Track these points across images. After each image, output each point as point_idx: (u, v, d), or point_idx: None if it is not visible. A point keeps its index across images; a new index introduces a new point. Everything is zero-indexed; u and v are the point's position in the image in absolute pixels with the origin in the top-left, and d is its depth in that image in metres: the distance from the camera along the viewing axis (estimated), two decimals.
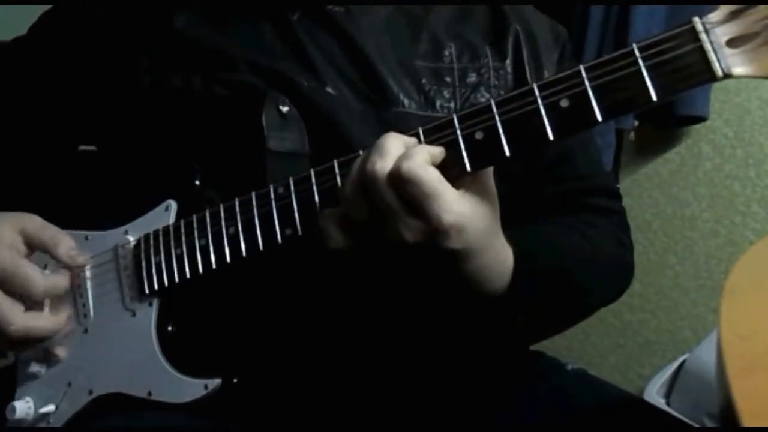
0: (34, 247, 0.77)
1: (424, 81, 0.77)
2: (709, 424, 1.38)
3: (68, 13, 0.88)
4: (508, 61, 0.80)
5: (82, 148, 0.92)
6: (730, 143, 1.71)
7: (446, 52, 0.79)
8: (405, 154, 0.56)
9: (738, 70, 0.50)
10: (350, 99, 0.76)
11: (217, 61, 0.76)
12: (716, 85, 1.63)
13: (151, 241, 0.74)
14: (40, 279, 0.74)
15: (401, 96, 0.76)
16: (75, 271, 0.78)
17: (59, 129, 0.90)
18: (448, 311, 0.72)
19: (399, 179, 0.55)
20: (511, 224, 0.64)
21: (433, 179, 0.55)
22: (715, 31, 0.50)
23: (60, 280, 0.76)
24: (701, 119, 1.64)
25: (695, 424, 1.30)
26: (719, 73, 0.50)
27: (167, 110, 0.77)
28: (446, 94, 0.78)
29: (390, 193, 0.55)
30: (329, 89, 0.75)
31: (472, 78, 0.79)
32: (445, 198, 0.55)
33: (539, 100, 0.54)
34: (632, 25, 1.50)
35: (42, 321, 0.76)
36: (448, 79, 0.78)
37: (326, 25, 0.78)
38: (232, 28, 0.79)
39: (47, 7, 0.91)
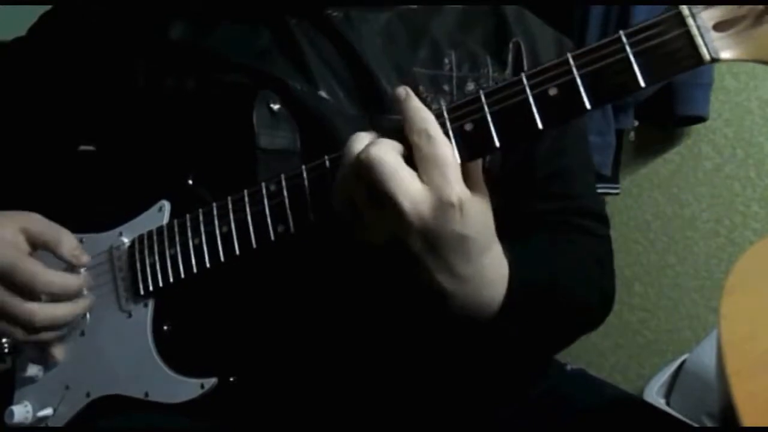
0: (37, 246, 0.77)
1: (421, 88, 0.76)
2: (709, 424, 1.38)
3: (67, 14, 0.88)
4: (507, 72, 0.79)
5: (81, 148, 0.92)
6: (730, 143, 1.70)
7: (446, 60, 0.78)
8: (373, 141, 0.56)
9: (725, 53, 0.50)
10: (344, 104, 0.75)
11: (210, 64, 0.76)
12: (716, 85, 1.63)
13: (145, 242, 0.74)
14: (43, 274, 0.74)
15: None
16: (78, 271, 0.77)
17: (57, 130, 0.90)
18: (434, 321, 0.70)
19: (360, 164, 0.55)
20: (500, 239, 0.62)
21: (392, 161, 0.54)
22: (702, 15, 0.50)
23: (65, 278, 0.75)
24: (701, 119, 1.64)
25: (695, 424, 1.30)
26: (707, 57, 0.50)
27: (160, 111, 0.77)
28: (443, 102, 0.76)
29: (353, 181, 0.56)
30: (322, 93, 0.75)
31: (470, 87, 0.78)
32: (404, 178, 0.54)
33: (528, 90, 0.54)
34: (632, 25, 1.50)
35: (61, 309, 0.75)
36: (446, 87, 0.77)
37: (324, 29, 0.78)
38: (228, 31, 0.78)
39: (47, 8, 0.91)
